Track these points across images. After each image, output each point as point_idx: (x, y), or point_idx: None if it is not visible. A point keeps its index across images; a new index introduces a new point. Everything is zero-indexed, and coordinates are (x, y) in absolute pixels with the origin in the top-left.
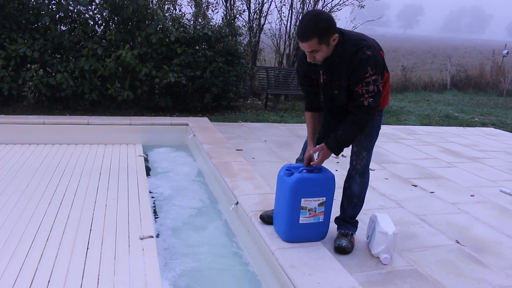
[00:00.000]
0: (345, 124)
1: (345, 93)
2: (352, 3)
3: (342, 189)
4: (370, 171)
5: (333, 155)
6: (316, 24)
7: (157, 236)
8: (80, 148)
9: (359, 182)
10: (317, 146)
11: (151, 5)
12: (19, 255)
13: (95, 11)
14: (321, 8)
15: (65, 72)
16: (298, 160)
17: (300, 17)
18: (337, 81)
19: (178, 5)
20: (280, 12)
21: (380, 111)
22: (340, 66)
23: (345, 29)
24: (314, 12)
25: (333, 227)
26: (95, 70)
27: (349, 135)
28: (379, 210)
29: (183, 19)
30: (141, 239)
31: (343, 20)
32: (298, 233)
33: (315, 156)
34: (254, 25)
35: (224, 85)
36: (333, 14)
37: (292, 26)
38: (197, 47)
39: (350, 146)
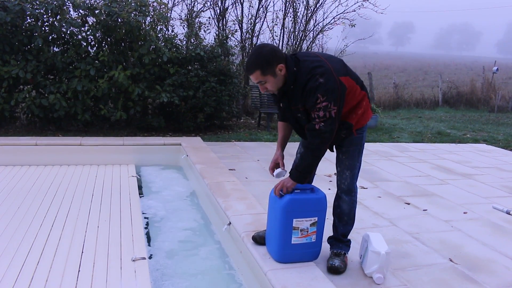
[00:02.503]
0: (303, 153)
1: (305, 116)
2: (343, 22)
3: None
4: (362, 189)
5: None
6: (258, 57)
7: (150, 257)
8: (73, 169)
9: (347, 201)
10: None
11: (143, 26)
12: (10, 277)
13: (88, 33)
14: (312, 28)
15: (58, 93)
16: None
17: (292, 36)
18: (294, 105)
19: (170, 25)
20: (272, 31)
21: (360, 129)
22: (295, 93)
23: (310, 53)
24: (257, 46)
25: (325, 247)
26: (88, 91)
27: (305, 161)
28: (372, 228)
29: (175, 40)
30: (133, 260)
31: (335, 38)
32: (290, 254)
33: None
34: (246, 44)
35: (217, 104)
36: (324, 33)
37: (284, 46)
38: (189, 67)
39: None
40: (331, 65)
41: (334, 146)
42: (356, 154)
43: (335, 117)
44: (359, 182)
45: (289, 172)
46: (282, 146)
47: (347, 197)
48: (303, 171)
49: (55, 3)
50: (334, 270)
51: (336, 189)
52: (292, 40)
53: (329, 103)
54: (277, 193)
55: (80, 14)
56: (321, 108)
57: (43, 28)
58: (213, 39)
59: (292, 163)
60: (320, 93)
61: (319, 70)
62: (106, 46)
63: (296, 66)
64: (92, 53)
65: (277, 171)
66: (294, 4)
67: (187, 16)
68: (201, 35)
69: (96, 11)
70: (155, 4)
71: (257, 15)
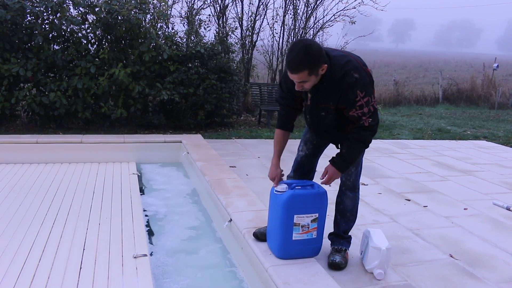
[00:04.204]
0: (349, 142)
1: (332, 115)
2: (343, 19)
3: (334, 204)
4: (363, 186)
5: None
6: (307, 57)
7: (151, 254)
8: (74, 167)
9: (351, 197)
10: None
11: (143, 24)
12: (12, 275)
13: (88, 30)
14: (312, 25)
15: (58, 91)
16: (289, 177)
17: (292, 34)
18: (324, 104)
19: (170, 23)
20: (272, 29)
21: None
22: (328, 90)
23: (330, 48)
24: (304, 43)
25: (326, 243)
26: (88, 89)
27: (354, 152)
28: (373, 225)
29: (175, 37)
30: (134, 257)
31: (335, 36)
32: (291, 250)
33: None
34: (246, 42)
35: (217, 102)
36: (324, 30)
37: (284, 43)
38: (190, 65)
39: None
40: (356, 59)
41: (330, 140)
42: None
43: (376, 108)
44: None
45: (334, 164)
46: (278, 162)
47: (352, 194)
48: (350, 161)
49: (55, 0)
50: (335, 266)
51: (337, 186)
52: (292, 37)
53: (369, 97)
54: (327, 182)
55: (80, 12)
56: (363, 105)
57: (43, 26)
58: (213, 37)
59: (293, 162)
60: (359, 89)
61: (351, 65)
62: (107, 44)
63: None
64: (93, 51)
65: (281, 186)
66: (294, 1)
67: (187, 14)
68: (201, 33)
69: (96, 9)
70: (155, 1)
71: (257, 12)
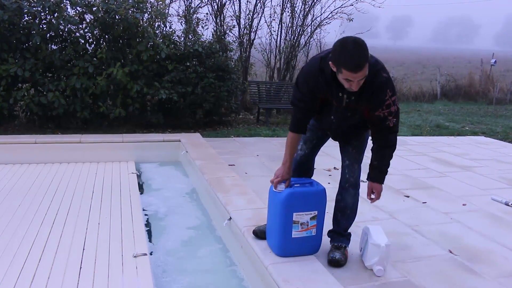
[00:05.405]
0: (380, 151)
1: (358, 115)
2: (341, 17)
3: (334, 201)
4: (362, 183)
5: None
6: (365, 51)
7: (151, 253)
8: (73, 167)
9: (353, 194)
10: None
11: (141, 23)
12: (12, 275)
13: (86, 30)
14: (310, 22)
15: (57, 91)
16: None
17: (290, 31)
18: (354, 104)
19: (168, 22)
20: (270, 26)
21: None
22: (361, 89)
23: None
24: (352, 38)
25: (326, 240)
26: (86, 88)
27: (388, 160)
28: (372, 221)
29: (173, 36)
30: (134, 257)
31: (333, 33)
32: (291, 248)
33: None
34: (244, 40)
35: (215, 100)
36: (322, 28)
37: (282, 41)
38: (188, 64)
39: (341, 159)
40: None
41: (340, 138)
42: (364, 148)
43: (399, 107)
44: None
45: (376, 180)
46: (290, 165)
47: (354, 191)
48: (387, 170)
49: (52, 0)
50: (334, 263)
51: (336, 184)
52: (290, 35)
53: (395, 96)
54: (379, 198)
55: (77, 12)
56: (390, 104)
57: (41, 26)
58: (211, 35)
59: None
60: (389, 89)
61: (379, 64)
62: (104, 43)
63: None
64: (90, 51)
65: (280, 186)
66: None
67: (185, 12)
68: (199, 31)
69: (94, 8)
70: (152, 0)
71: (255, 10)
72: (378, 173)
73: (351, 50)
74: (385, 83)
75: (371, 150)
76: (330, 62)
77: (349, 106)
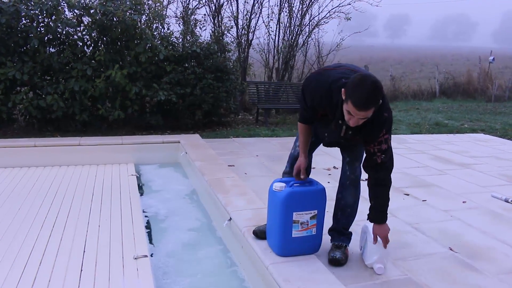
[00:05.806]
0: (374, 191)
1: (351, 142)
2: (339, 16)
3: (334, 200)
4: (362, 181)
5: (325, 167)
6: (378, 95)
7: (151, 255)
8: (72, 169)
9: (353, 192)
10: (371, 232)
11: (139, 25)
12: (13, 278)
13: (84, 32)
14: (307, 22)
15: (55, 93)
16: (284, 174)
17: (287, 31)
18: (351, 136)
19: (166, 23)
20: (268, 27)
21: None
22: (362, 127)
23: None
24: (372, 79)
25: (326, 239)
26: (85, 91)
27: (385, 198)
28: None
29: (171, 37)
30: (135, 259)
31: (331, 32)
32: (291, 247)
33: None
34: (242, 40)
35: (214, 101)
36: (320, 27)
37: (280, 41)
38: (186, 65)
39: (341, 157)
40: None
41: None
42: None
43: (391, 146)
44: None
45: (377, 221)
46: (306, 151)
47: (354, 189)
48: (386, 207)
49: (50, 3)
50: (335, 262)
51: (336, 183)
52: (288, 35)
53: (389, 135)
54: (387, 241)
55: (75, 14)
56: (382, 142)
57: (39, 29)
58: (209, 36)
59: (288, 158)
60: (386, 128)
61: (384, 104)
62: (102, 46)
63: None
64: (89, 53)
65: (280, 185)
66: None
67: (183, 14)
68: (197, 32)
69: (91, 11)
70: (150, 2)
71: (253, 11)
72: (377, 213)
73: (366, 88)
74: (383, 122)
75: (367, 185)
76: (343, 90)
77: (345, 135)
